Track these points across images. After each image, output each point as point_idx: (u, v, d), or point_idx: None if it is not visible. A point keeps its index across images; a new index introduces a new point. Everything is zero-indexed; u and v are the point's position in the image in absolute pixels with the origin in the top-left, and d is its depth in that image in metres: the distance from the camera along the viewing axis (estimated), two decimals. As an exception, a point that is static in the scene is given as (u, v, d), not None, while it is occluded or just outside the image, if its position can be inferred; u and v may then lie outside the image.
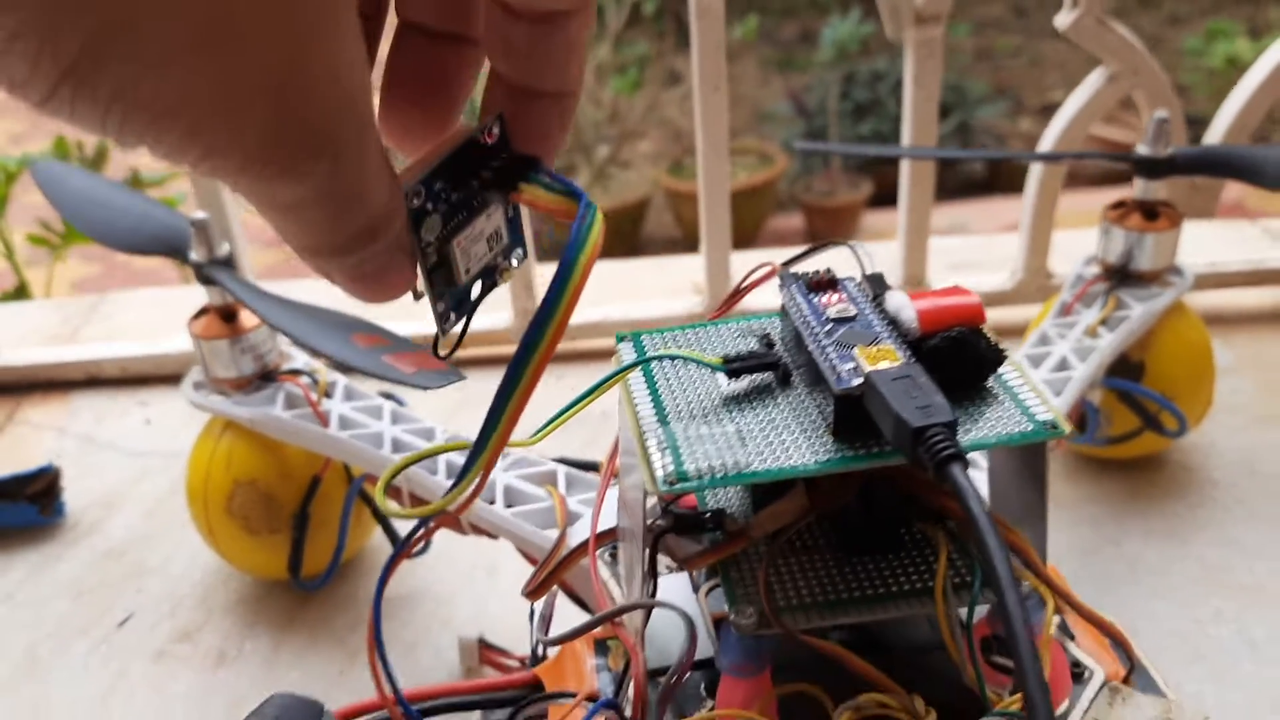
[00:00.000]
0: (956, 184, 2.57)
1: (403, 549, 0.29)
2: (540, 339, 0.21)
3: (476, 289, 0.24)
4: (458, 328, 0.24)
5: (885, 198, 2.31)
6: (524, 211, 0.24)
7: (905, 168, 0.63)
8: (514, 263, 0.24)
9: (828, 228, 2.55)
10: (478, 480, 0.22)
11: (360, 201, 0.19)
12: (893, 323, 0.29)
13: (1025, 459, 0.31)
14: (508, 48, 0.22)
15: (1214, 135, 0.64)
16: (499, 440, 0.21)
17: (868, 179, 2.51)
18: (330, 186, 0.18)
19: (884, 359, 0.27)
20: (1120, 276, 0.51)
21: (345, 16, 0.17)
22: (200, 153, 0.16)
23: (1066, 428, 0.27)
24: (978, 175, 2.67)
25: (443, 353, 0.24)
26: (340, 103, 0.17)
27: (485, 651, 0.46)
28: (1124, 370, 0.50)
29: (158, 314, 0.76)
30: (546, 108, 0.22)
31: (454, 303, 0.23)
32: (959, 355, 0.28)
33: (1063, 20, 0.58)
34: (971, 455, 0.27)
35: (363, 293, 0.21)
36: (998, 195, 2.49)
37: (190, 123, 0.15)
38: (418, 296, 0.23)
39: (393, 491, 0.44)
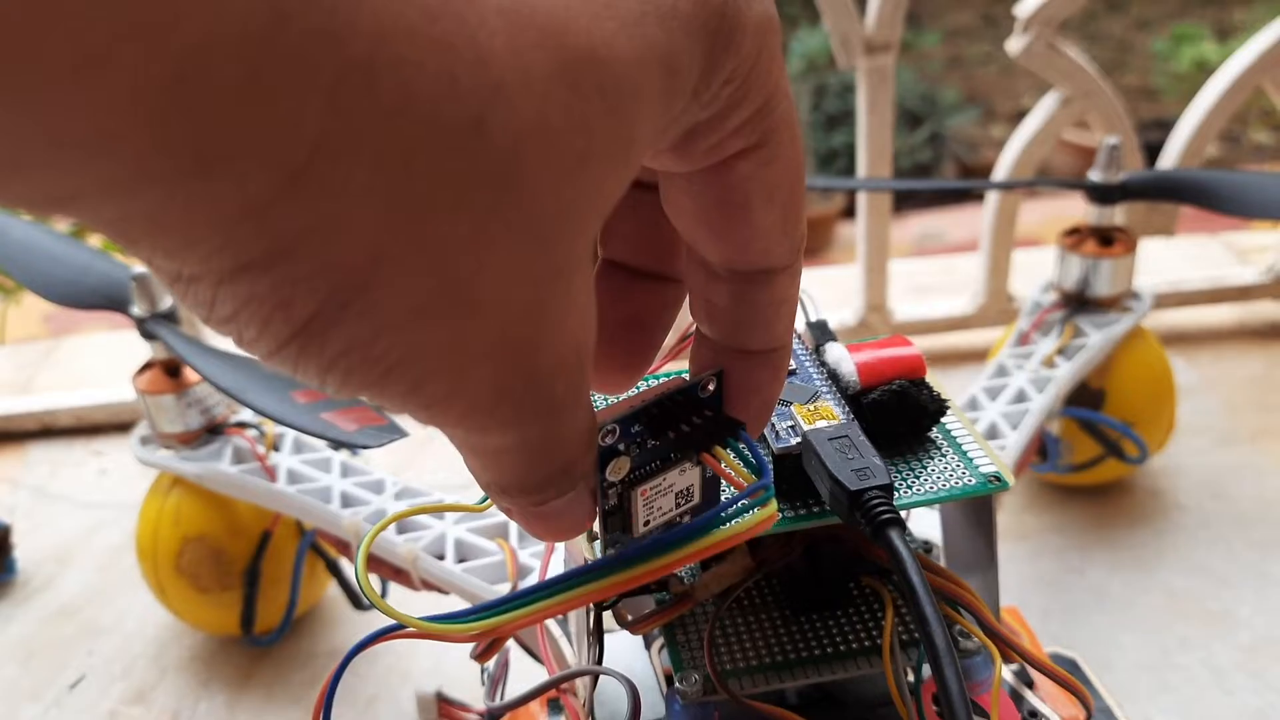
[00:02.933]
0: (930, 192, 2.57)
1: (368, 643, 0.27)
2: (625, 568, 0.19)
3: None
4: None
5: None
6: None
7: (862, 196, 0.63)
8: None
9: (802, 240, 2.55)
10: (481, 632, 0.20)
11: (560, 449, 0.18)
12: (832, 376, 0.28)
13: (973, 508, 0.31)
14: (710, 309, 0.21)
15: (1178, 140, 0.64)
16: (519, 618, 0.20)
17: (840, 190, 2.51)
18: (538, 438, 0.17)
19: (821, 417, 0.26)
20: (1077, 303, 0.51)
21: (583, 268, 0.16)
22: (420, 404, 0.15)
23: (1010, 480, 0.26)
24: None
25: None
26: (567, 358, 0.16)
27: (444, 706, 0.45)
28: (1084, 398, 0.50)
29: (114, 359, 0.74)
30: (756, 365, 0.21)
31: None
32: (900, 408, 0.27)
33: (1013, 46, 0.58)
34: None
35: (539, 530, 0.20)
36: (971, 202, 2.50)
37: (415, 379, 0.15)
38: (592, 539, 0.22)
39: (343, 547, 0.43)
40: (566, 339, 0.16)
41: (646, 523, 0.21)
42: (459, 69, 0.13)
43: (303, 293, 0.13)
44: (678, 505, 0.22)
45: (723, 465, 0.21)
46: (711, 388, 0.21)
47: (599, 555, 0.21)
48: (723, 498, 0.22)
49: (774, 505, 0.20)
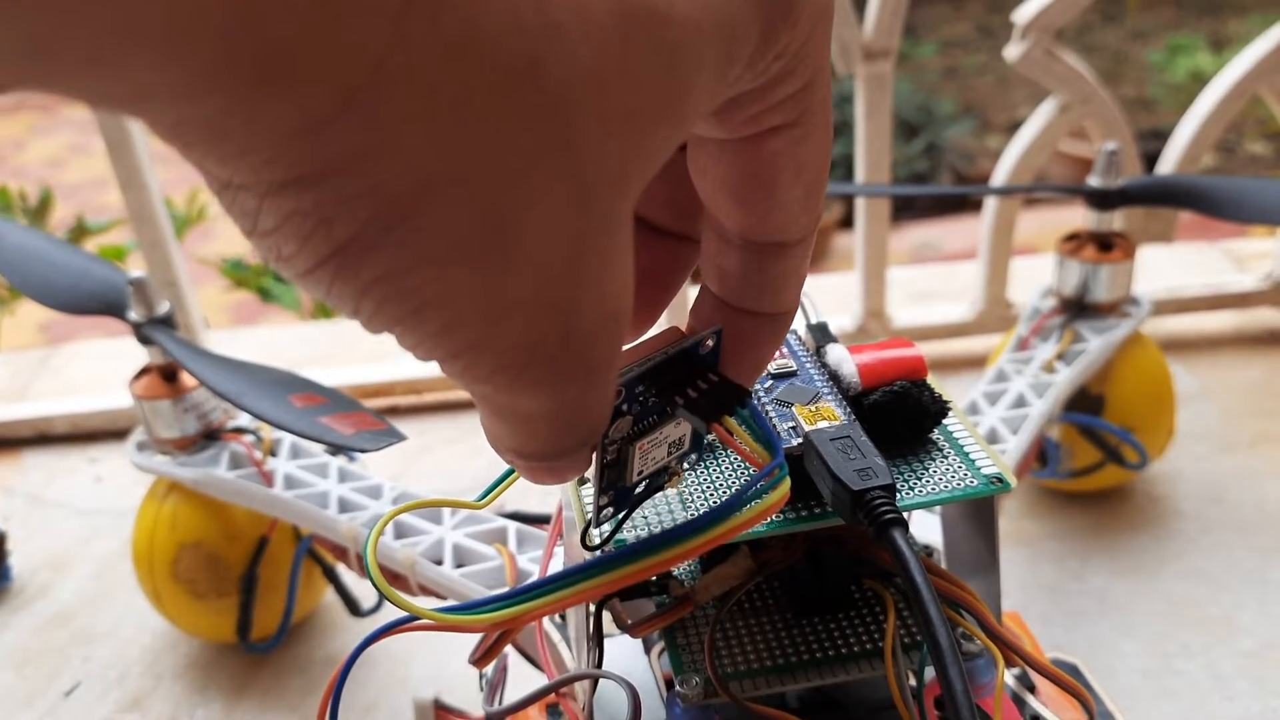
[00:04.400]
0: (927, 202, 2.58)
1: (382, 633, 0.27)
2: (639, 559, 0.20)
3: (641, 488, 0.22)
4: (611, 523, 0.22)
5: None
6: None
7: (861, 202, 0.63)
8: (685, 466, 0.23)
9: (800, 250, 2.54)
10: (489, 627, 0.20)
11: (589, 417, 0.18)
12: (834, 377, 0.28)
13: (975, 510, 0.31)
14: (721, 273, 0.21)
15: (1175, 148, 0.64)
16: (536, 608, 0.20)
17: (838, 200, 2.52)
18: (571, 405, 0.17)
19: (823, 418, 0.26)
20: (1076, 308, 0.51)
21: (624, 229, 0.16)
22: (451, 350, 0.15)
23: (1012, 481, 0.26)
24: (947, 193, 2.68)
25: (591, 544, 0.23)
26: (604, 322, 0.16)
27: (441, 713, 0.45)
28: (1083, 403, 0.50)
29: (110, 366, 0.74)
30: (759, 326, 0.21)
31: (616, 496, 0.22)
32: (901, 409, 0.27)
33: (1011, 52, 0.58)
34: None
35: (536, 480, 0.20)
36: (968, 212, 2.51)
37: (449, 319, 0.15)
38: (581, 483, 0.22)
39: (340, 553, 0.43)
40: (605, 302, 0.16)
41: (640, 472, 0.21)
42: (523, 7, 0.13)
43: (346, 213, 0.13)
44: (669, 454, 0.22)
45: (736, 440, 0.21)
46: (711, 343, 0.21)
47: (588, 501, 0.22)
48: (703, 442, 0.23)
49: (787, 484, 0.20)
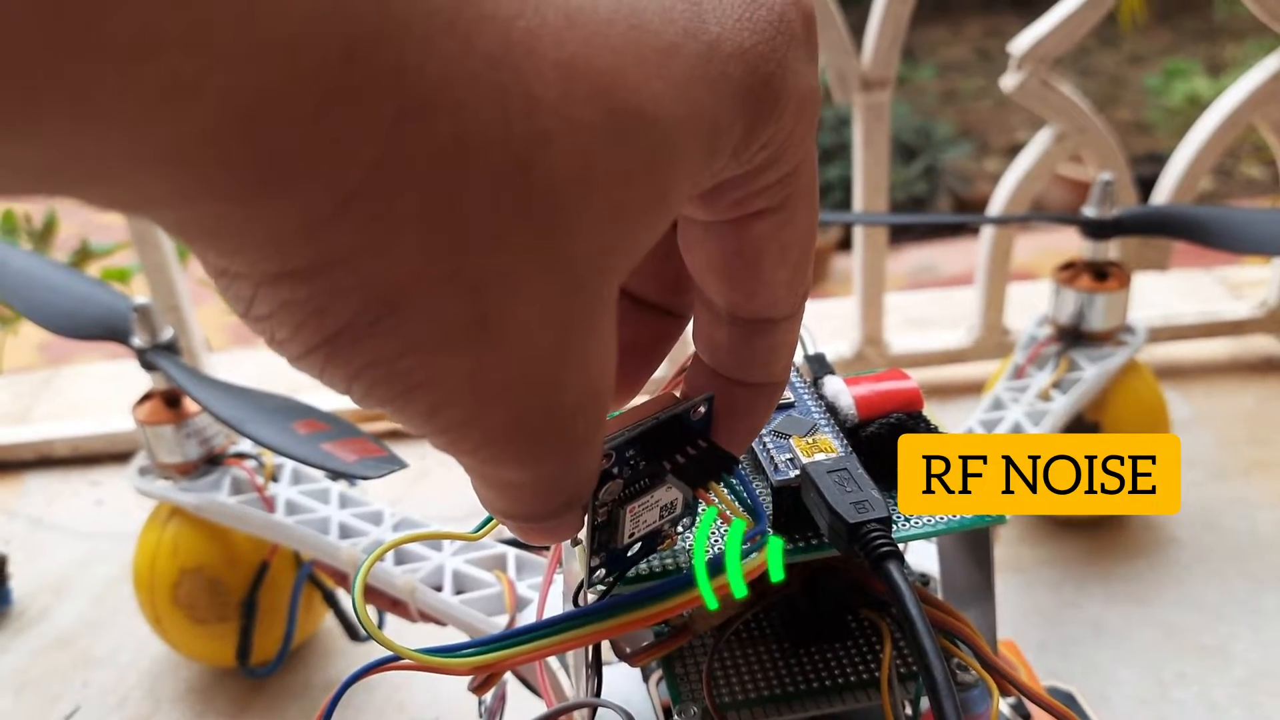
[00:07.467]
0: (925, 226, 2.59)
1: (364, 673, 0.27)
2: (625, 612, 0.20)
3: (635, 549, 0.23)
4: (605, 584, 0.23)
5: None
6: None
7: (858, 230, 0.63)
8: (679, 529, 0.24)
9: (798, 272, 2.55)
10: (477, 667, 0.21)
11: (571, 486, 0.18)
12: (831, 409, 0.28)
13: (970, 541, 0.31)
14: (712, 345, 0.21)
15: (1172, 175, 0.65)
16: (516, 655, 0.20)
17: (836, 224, 2.52)
18: (554, 475, 0.18)
19: (820, 450, 0.26)
20: (1072, 337, 0.51)
21: (609, 312, 0.16)
22: (439, 427, 0.16)
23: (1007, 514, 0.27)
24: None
25: (583, 605, 0.23)
26: (587, 399, 0.17)
27: (440, 738, 0.45)
28: (1079, 431, 0.50)
29: (111, 389, 0.74)
30: (751, 395, 0.22)
31: (608, 559, 0.22)
32: (897, 441, 0.28)
33: (1008, 82, 0.59)
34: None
35: (528, 540, 0.20)
36: (966, 235, 2.51)
37: (436, 400, 0.15)
38: (575, 544, 0.22)
39: (340, 578, 0.43)
40: (589, 380, 0.17)
41: (631, 534, 0.22)
42: (512, 116, 0.13)
43: (337, 305, 0.14)
44: (661, 517, 0.22)
45: (721, 507, 0.21)
46: (703, 410, 0.21)
47: (585, 562, 0.22)
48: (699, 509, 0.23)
49: (770, 551, 0.20)
